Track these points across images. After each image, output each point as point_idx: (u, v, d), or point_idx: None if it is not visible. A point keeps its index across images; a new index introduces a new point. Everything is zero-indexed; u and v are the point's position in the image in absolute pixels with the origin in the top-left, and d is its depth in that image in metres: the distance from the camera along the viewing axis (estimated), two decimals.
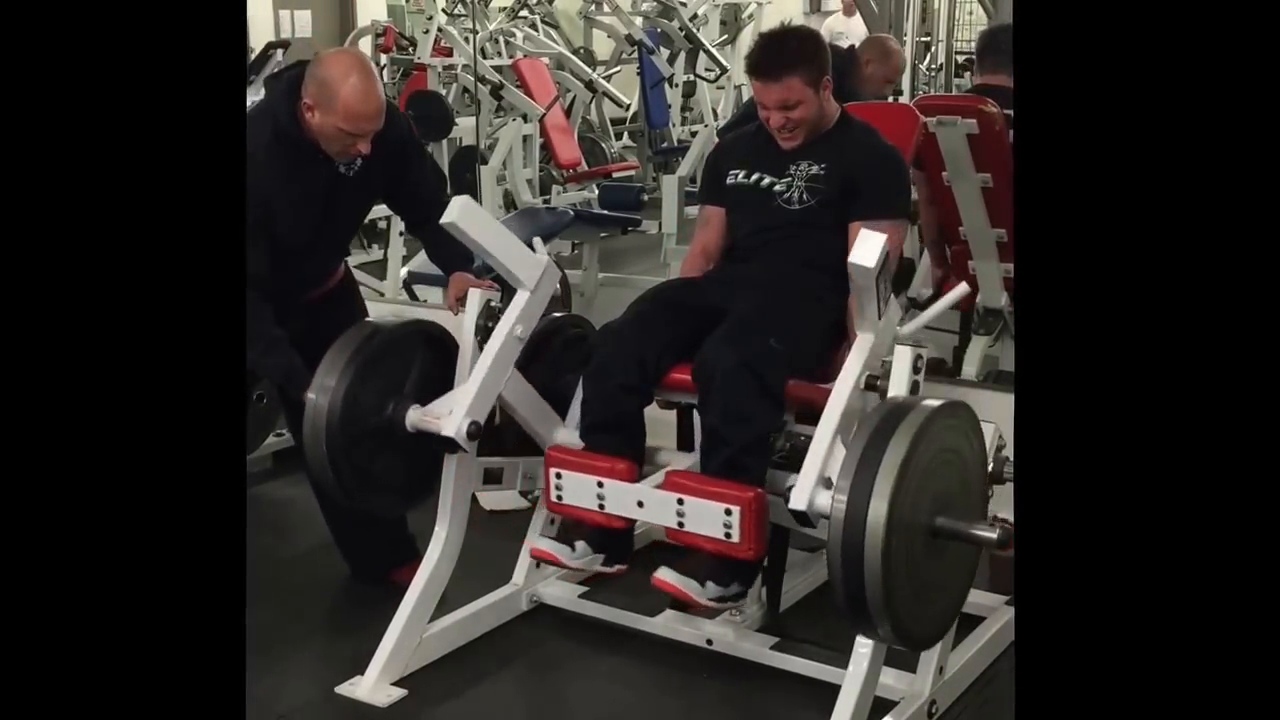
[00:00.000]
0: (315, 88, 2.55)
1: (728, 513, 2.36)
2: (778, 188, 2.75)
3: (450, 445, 2.55)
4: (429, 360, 2.66)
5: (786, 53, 2.68)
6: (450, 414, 2.53)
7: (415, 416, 2.58)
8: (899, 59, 4.62)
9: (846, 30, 8.97)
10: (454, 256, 2.88)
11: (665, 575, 2.44)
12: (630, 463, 2.54)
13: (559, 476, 2.58)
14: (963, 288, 2.66)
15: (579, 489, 2.56)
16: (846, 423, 2.29)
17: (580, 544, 2.61)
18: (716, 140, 3.52)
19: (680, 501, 2.41)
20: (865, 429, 2.09)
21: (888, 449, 2.02)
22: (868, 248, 2.21)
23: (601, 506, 2.54)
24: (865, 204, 2.68)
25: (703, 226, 2.94)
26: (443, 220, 2.46)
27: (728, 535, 2.36)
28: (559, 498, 2.59)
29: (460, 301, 2.76)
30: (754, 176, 2.79)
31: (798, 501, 2.20)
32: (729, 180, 2.83)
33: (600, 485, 2.52)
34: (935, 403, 2.14)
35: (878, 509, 1.99)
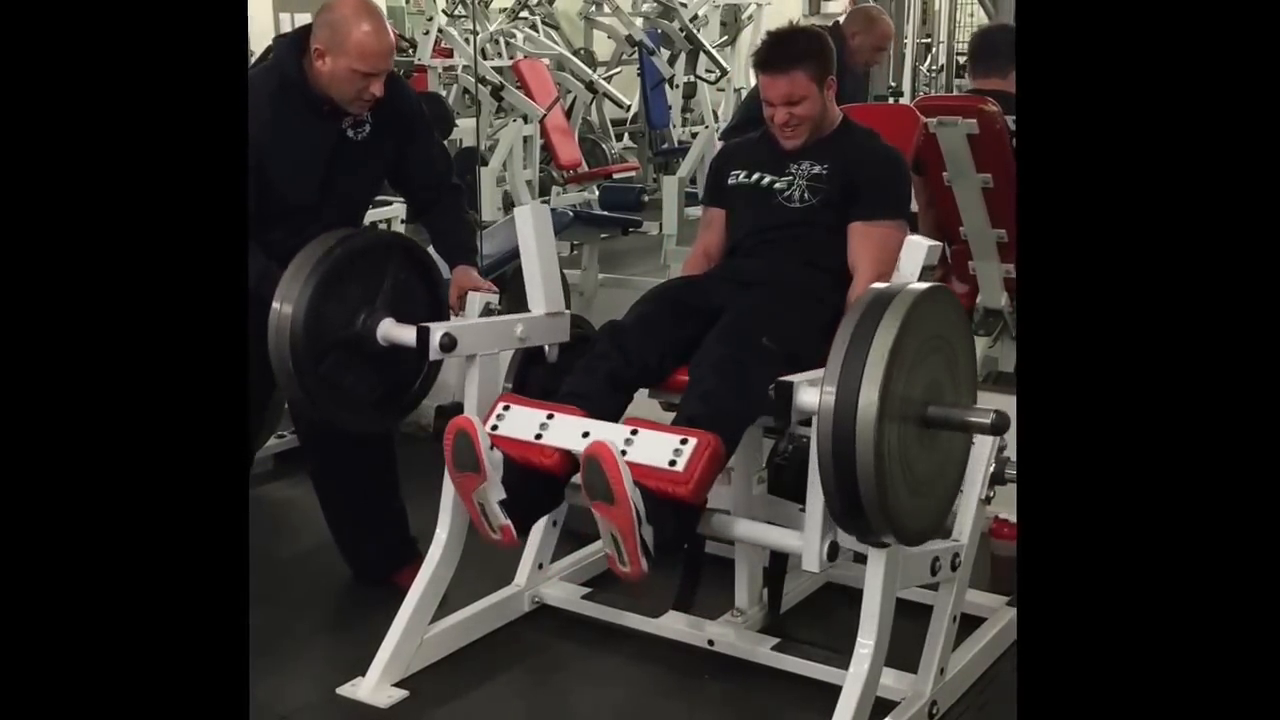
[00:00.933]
0: (327, 31, 2.56)
1: (683, 442, 2.22)
2: (778, 186, 2.77)
3: (422, 347, 2.44)
4: (403, 272, 2.63)
5: (794, 48, 2.72)
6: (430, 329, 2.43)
7: (388, 328, 2.53)
8: (885, 25, 4.55)
9: None
10: (458, 247, 2.88)
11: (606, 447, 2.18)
12: (586, 412, 2.40)
13: (505, 408, 2.44)
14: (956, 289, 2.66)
15: (522, 420, 2.39)
16: None
17: (498, 453, 2.37)
18: (718, 141, 3.49)
19: (634, 432, 2.28)
20: (851, 318, 2.02)
21: (875, 336, 1.96)
22: (913, 254, 2.21)
23: (539, 436, 2.36)
24: (865, 205, 2.69)
25: (705, 228, 2.96)
26: (516, 210, 2.52)
27: (673, 464, 2.20)
28: (495, 427, 2.41)
29: (461, 300, 2.76)
30: (755, 175, 2.81)
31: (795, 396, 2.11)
32: (730, 180, 2.85)
33: (549, 417, 2.38)
34: (920, 286, 2.07)
35: (868, 398, 1.92)
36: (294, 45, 2.63)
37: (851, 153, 2.75)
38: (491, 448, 2.36)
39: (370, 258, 2.58)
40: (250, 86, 2.62)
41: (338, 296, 2.50)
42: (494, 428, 2.42)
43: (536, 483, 2.42)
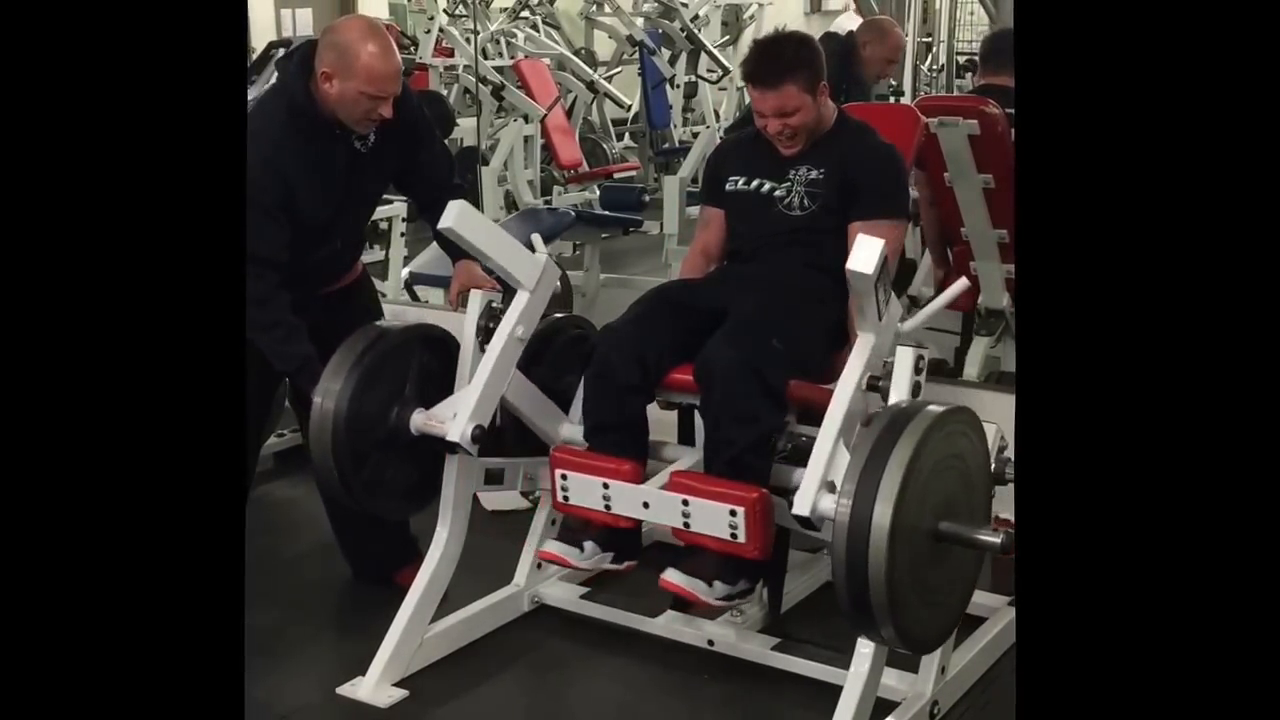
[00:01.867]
0: (334, 55, 2.55)
1: (732, 514, 2.35)
2: (778, 193, 2.75)
3: (455, 450, 2.56)
4: (430, 362, 2.67)
5: (783, 60, 2.67)
6: (454, 418, 2.53)
7: (420, 420, 2.58)
8: (897, 37, 4.53)
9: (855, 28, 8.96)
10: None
11: (672, 577, 2.45)
12: (635, 463, 2.54)
13: (564, 478, 2.58)
14: (962, 283, 2.65)
15: (585, 490, 2.55)
16: (849, 424, 2.29)
17: (589, 544, 2.61)
18: (718, 139, 3.45)
19: (685, 503, 2.41)
20: (870, 435, 2.09)
21: (892, 455, 2.02)
22: (866, 253, 2.21)
23: (608, 507, 2.53)
24: (863, 205, 2.68)
25: (703, 228, 2.95)
26: (440, 225, 2.47)
27: (734, 536, 2.36)
28: (565, 498, 2.59)
29: (463, 296, 2.76)
30: (754, 183, 2.78)
31: (801, 507, 2.20)
32: (728, 186, 2.83)
33: (606, 486, 2.52)
34: (939, 408, 2.13)
35: (882, 514, 1.99)
36: (300, 68, 2.62)
37: (847, 154, 2.73)
38: (581, 549, 2.62)
39: (401, 352, 2.62)
40: (261, 116, 2.64)
41: (374, 395, 2.55)
42: (565, 498, 2.60)
43: (620, 531, 2.64)
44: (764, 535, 2.37)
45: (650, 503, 2.48)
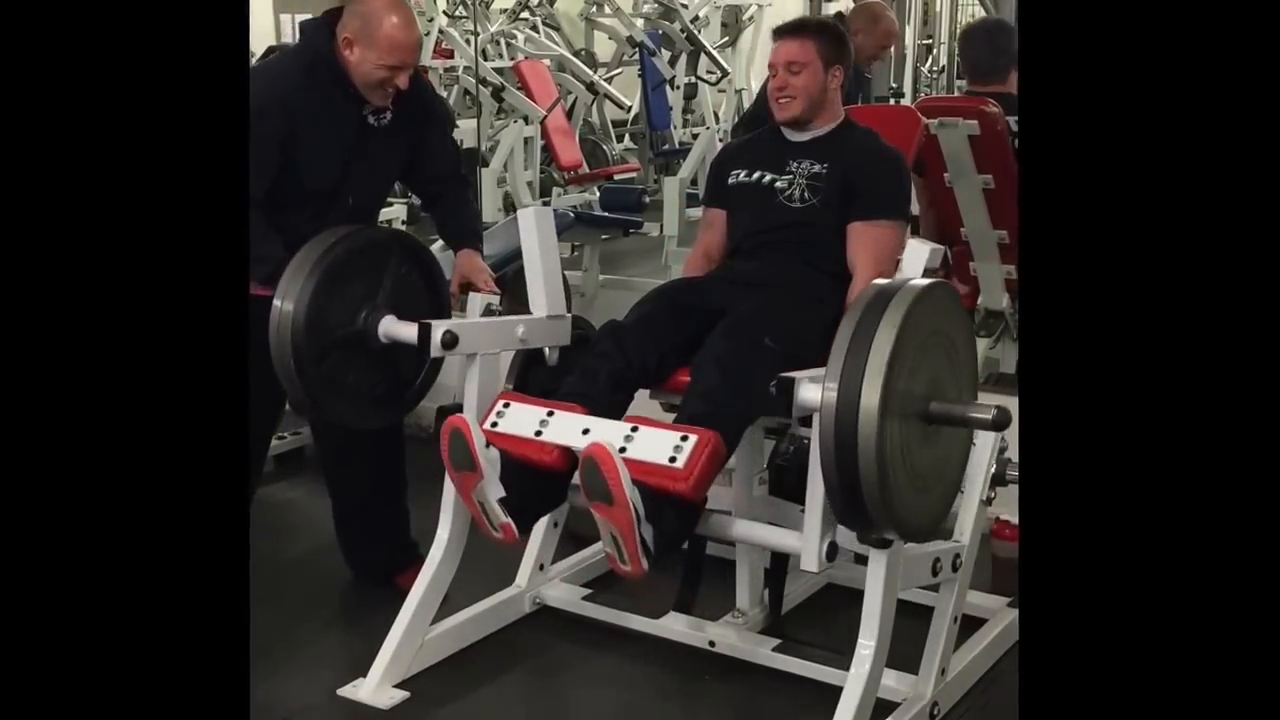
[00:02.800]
0: (357, 22, 2.58)
1: (683, 439, 2.23)
2: (779, 184, 2.76)
3: (423, 345, 2.45)
4: (408, 273, 2.63)
5: (814, 24, 2.87)
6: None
7: (389, 324, 2.53)
8: (889, 23, 4.45)
9: None
10: (464, 233, 2.88)
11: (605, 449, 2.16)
12: (587, 409, 2.41)
13: (505, 405, 2.44)
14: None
15: (521, 417, 2.39)
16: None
17: (495, 450, 2.35)
18: (719, 142, 3.46)
19: (634, 429, 2.28)
20: (852, 315, 2.01)
21: (876, 333, 1.95)
22: (915, 258, 2.21)
23: (539, 433, 2.36)
24: (864, 205, 2.69)
25: (705, 228, 2.96)
26: (519, 212, 2.55)
27: (672, 460, 2.20)
28: (495, 425, 2.41)
29: (463, 289, 2.77)
30: (755, 174, 2.80)
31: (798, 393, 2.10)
32: (730, 180, 2.85)
33: (549, 414, 2.38)
34: (921, 283, 2.07)
35: (870, 395, 1.92)
36: (325, 26, 2.66)
37: (851, 153, 2.75)
38: (488, 446, 2.34)
39: (371, 255, 2.58)
40: (280, 63, 2.69)
41: (339, 294, 2.49)
42: (494, 424, 2.41)
43: (537, 480, 2.40)
44: (704, 468, 2.21)
45: (591, 429, 2.31)
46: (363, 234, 2.60)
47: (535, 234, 2.58)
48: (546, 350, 2.68)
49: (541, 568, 2.92)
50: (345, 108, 2.67)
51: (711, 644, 2.69)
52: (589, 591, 2.94)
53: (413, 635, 2.63)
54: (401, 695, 2.57)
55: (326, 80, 2.63)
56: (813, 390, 2.05)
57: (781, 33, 2.80)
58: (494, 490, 2.34)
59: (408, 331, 2.49)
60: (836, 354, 1.99)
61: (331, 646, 2.87)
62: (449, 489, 2.65)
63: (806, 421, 2.53)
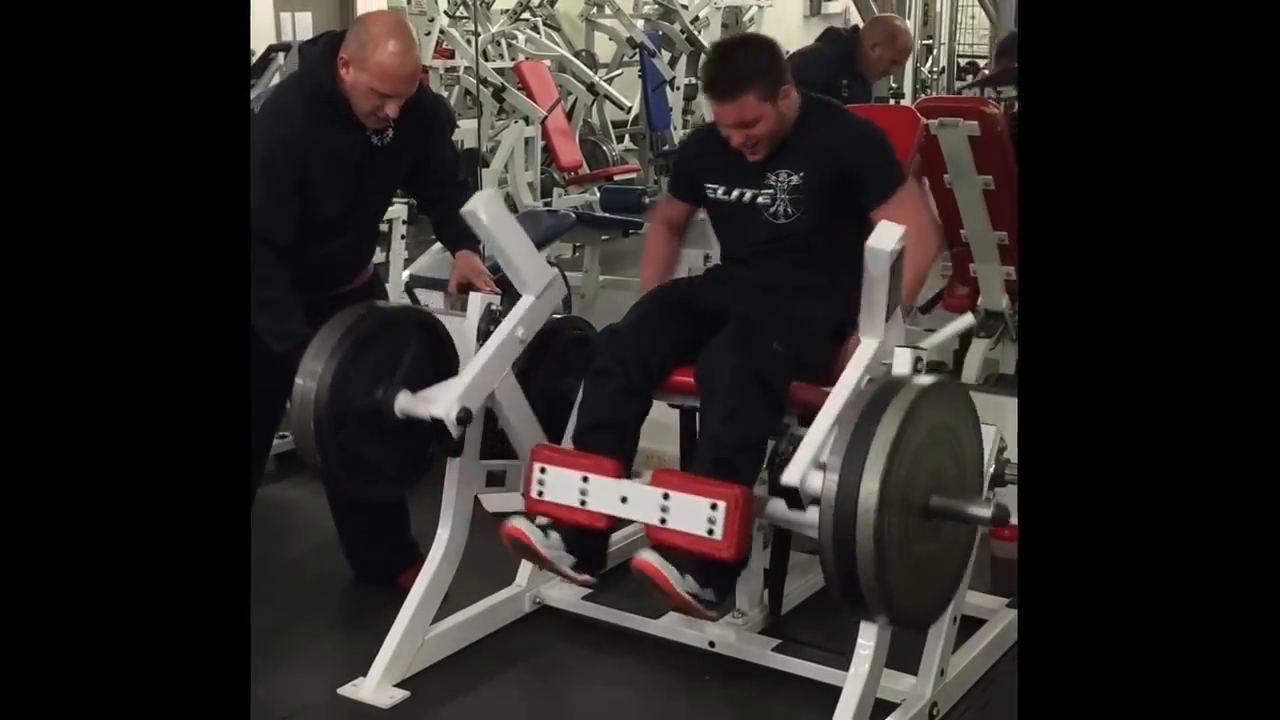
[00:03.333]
0: (355, 44, 2.56)
1: (713, 507, 2.29)
2: (761, 200, 2.68)
3: (440, 429, 2.50)
4: (421, 347, 2.64)
5: (739, 71, 2.58)
6: (442, 399, 2.50)
7: (405, 401, 2.55)
8: (905, 39, 4.47)
9: None
10: (461, 235, 2.87)
11: (647, 556, 2.35)
12: (617, 461, 2.48)
13: (543, 471, 2.51)
14: (968, 319, 2.67)
15: (562, 485, 2.48)
16: (846, 414, 2.27)
17: (555, 534, 2.51)
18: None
19: (665, 496, 2.35)
20: (856, 407, 2.05)
21: (879, 427, 1.98)
22: (886, 235, 2.20)
23: (583, 503, 2.46)
24: (873, 192, 2.62)
25: (666, 204, 2.99)
26: (464, 209, 2.47)
27: (710, 532, 2.30)
28: (540, 494, 2.51)
29: (462, 289, 2.76)
30: (735, 193, 2.72)
31: (790, 477, 2.14)
32: (709, 194, 2.77)
33: (585, 480, 2.46)
34: (927, 379, 2.10)
35: (869, 487, 1.95)
36: (326, 52, 2.63)
37: (827, 146, 2.65)
38: (546, 534, 2.51)
39: (391, 332, 2.61)
40: (281, 97, 2.67)
41: (360, 370, 2.53)
42: (539, 494, 2.52)
43: (592, 535, 2.54)
44: (741, 535, 2.30)
45: (628, 497, 2.42)
46: (381, 313, 2.62)
47: (493, 221, 2.49)
48: (521, 330, 2.64)
49: (531, 566, 2.92)
50: (349, 133, 2.65)
51: (711, 644, 2.69)
52: (589, 591, 2.94)
53: (413, 634, 2.63)
54: (402, 694, 2.58)
55: (328, 109, 2.61)
56: (815, 477, 2.10)
57: (714, 94, 2.62)
58: (565, 561, 2.53)
59: (423, 409, 2.52)
60: (839, 442, 2.04)
61: (332, 645, 2.88)
62: (450, 487, 2.66)
63: (806, 421, 2.55)
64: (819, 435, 2.19)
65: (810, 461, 2.15)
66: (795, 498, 2.18)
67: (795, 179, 2.64)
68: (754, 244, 2.72)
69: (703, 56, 8.78)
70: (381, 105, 2.58)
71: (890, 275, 2.25)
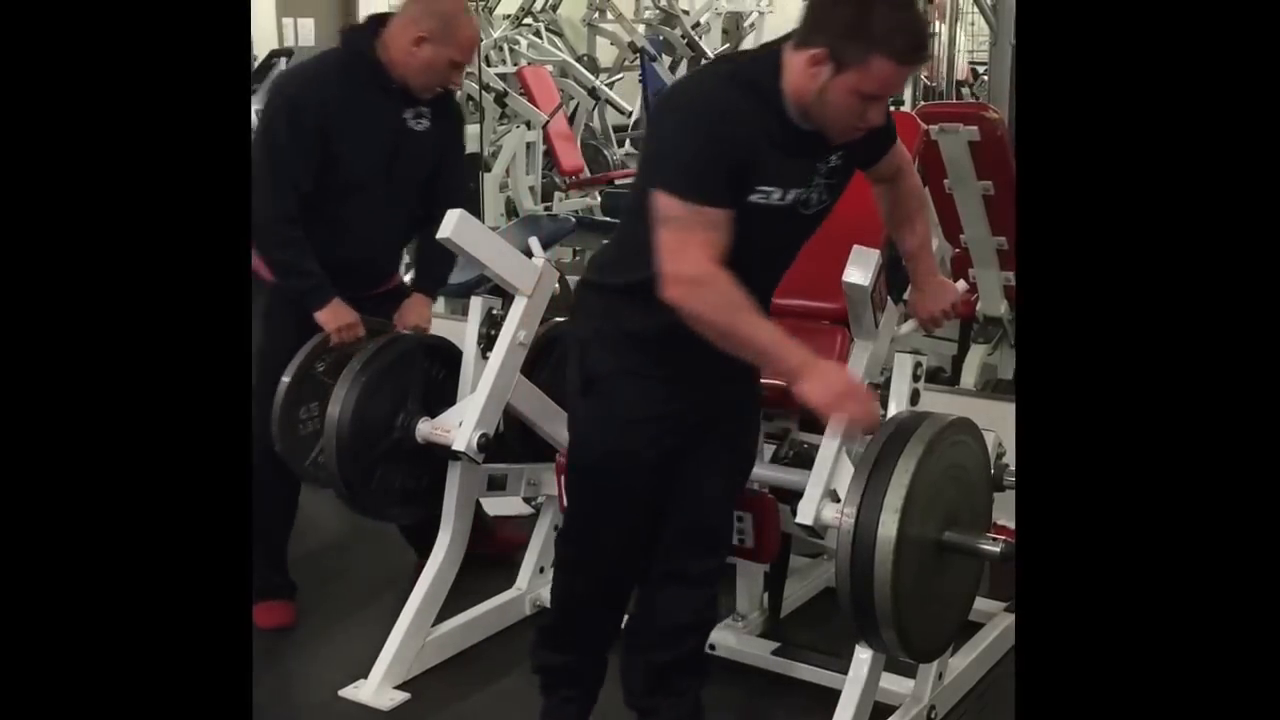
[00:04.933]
0: (436, 22, 2.67)
1: (739, 519, 2.36)
2: (801, 197, 2.08)
3: (462, 459, 2.58)
4: (434, 370, 2.70)
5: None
6: (460, 426, 2.55)
7: (426, 429, 2.61)
8: None
9: None
10: (430, 272, 2.96)
11: None
12: None
13: None
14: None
15: None
16: (850, 433, 2.29)
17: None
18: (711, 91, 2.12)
19: None
20: (874, 446, 2.08)
21: (896, 467, 2.02)
22: (860, 264, 2.23)
23: None
24: (883, 132, 2.17)
25: (710, 228, 1.97)
26: (439, 235, 2.45)
27: (741, 541, 2.37)
28: None
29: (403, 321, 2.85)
30: (790, 195, 2.05)
31: (804, 516, 2.16)
32: (756, 198, 2.01)
33: None
34: (943, 419, 2.13)
35: (888, 526, 1.99)
36: (369, 30, 2.74)
37: None
38: None
39: (402, 362, 2.66)
40: (316, 62, 2.78)
41: (377, 405, 2.60)
42: None
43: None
44: (771, 540, 2.39)
45: None
46: (389, 350, 2.66)
47: (461, 242, 2.48)
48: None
49: (542, 570, 2.94)
50: (385, 105, 2.73)
51: (711, 647, 2.69)
52: None
53: (414, 637, 2.64)
54: (402, 696, 2.59)
55: (365, 77, 2.70)
56: (831, 511, 2.12)
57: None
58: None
59: (446, 437, 2.58)
60: (856, 483, 2.05)
61: (333, 647, 2.89)
62: (452, 491, 2.67)
63: (807, 426, 2.55)
64: (827, 461, 2.18)
65: (823, 492, 2.16)
66: (811, 530, 2.18)
67: (836, 159, 2.10)
68: (767, 246, 2.12)
69: (702, 63, 8.81)
70: (454, 75, 2.76)
71: (870, 300, 2.28)
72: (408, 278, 3.06)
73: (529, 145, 7.05)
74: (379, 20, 2.75)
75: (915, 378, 2.33)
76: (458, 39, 2.68)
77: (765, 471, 2.59)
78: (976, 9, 5.37)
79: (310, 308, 2.69)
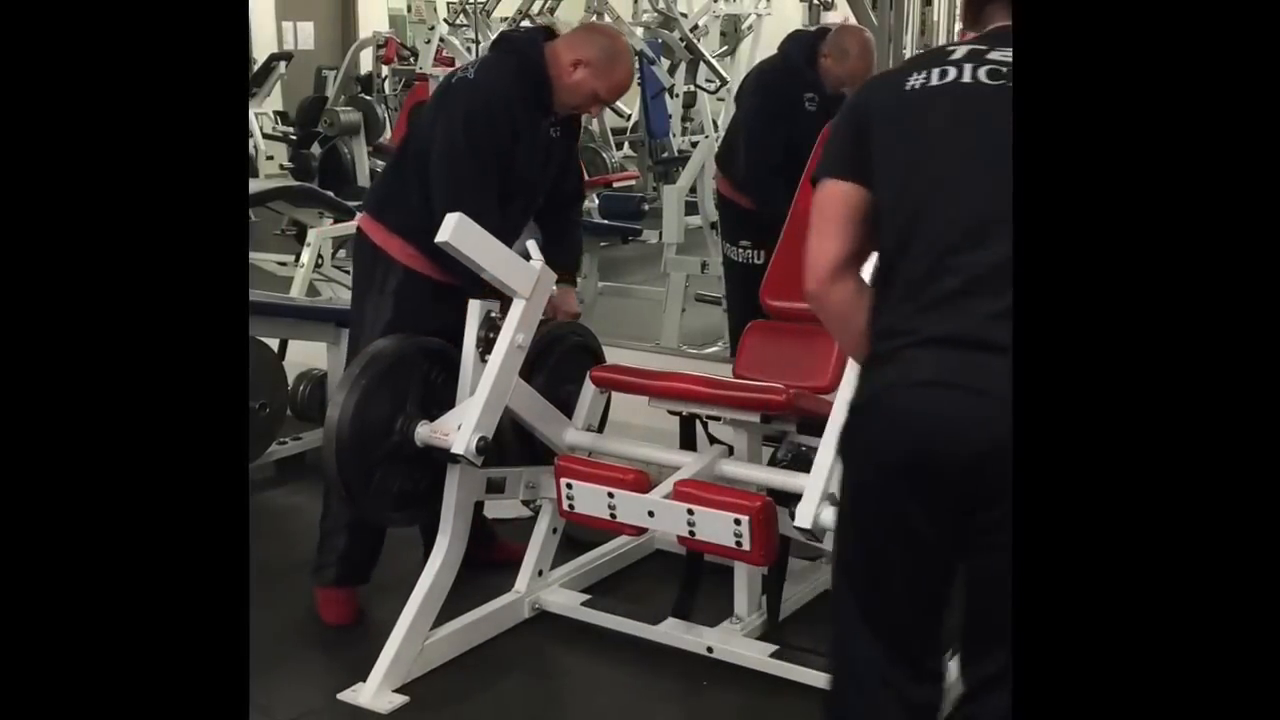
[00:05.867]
0: (599, 53, 2.76)
1: (736, 522, 2.37)
2: None
3: (461, 462, 2.59)
4: (432, 374, 2.70)
5: None
6: (459, 429, 2.55)
7: (425, 433, 2.61)
8: (855, 63, 3.89)
9: None
10: (565, 259, 3.00)
11: None
12: (641, 475, 2.54)
13: (569, 486, 2.60)
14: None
15: (590, 498, 2.57)
16: None
17: None
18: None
19: (690, 511, 2.43)
20: None
21: None
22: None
23: (613, 515, 2.55)
24: None
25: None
26: (437, 239, 2.49)
27: (739, 544, 2.38)
28: (570, 506, 2.61)
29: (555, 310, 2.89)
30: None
31: (803, 519, 2.18)
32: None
33: (611, 495, 2.54)
34: None
35: None
36: (537, 38, 2.84)
37: None
38: None
39: (400, 367, 2.66)
40: (497, 67, 2.81)
41: (375, 411, 2.60)
42: (570, 507, 2.61)
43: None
44: (768, 543, 2.39)
45: (655, 512, 2.50)
46: (389, 349, 2.67)
47: (459, 245, 2.50)
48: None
49: (540, 573, 2.94)
50: (541, 115, 2.82)
51: (709, 650, 2.70)
52: (588, 597, 2.95)
53: (412, 640, 2.64)
54: (401, 700, 2.58)
55: (531, 88, 2.78)
56: (829, 513, 2.13)
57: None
58: None
59: (445, 440, 2.58)
60: None
61: (331, 650, 2.88)
62: (450, 494, 2.67)
63: (805, 428, 2.56)
64: (825, 465, 2.19)
65: (821, 495, 2.17)
66: (810, 533, 2.20)
67: None
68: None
69: (700, 65, 8.81)
70: (593, 106, 2.91)
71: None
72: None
73: None
74: (543, 33, 2.87)
75: None
76: (612, 78, 2.79)
77: (763, 474, 2.59)
78: None
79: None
